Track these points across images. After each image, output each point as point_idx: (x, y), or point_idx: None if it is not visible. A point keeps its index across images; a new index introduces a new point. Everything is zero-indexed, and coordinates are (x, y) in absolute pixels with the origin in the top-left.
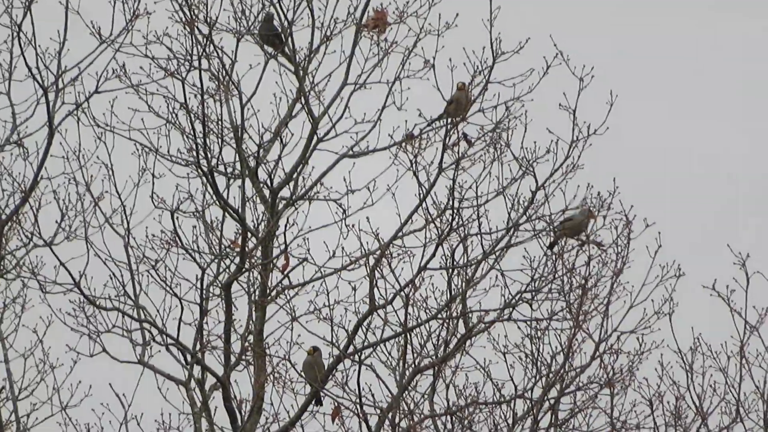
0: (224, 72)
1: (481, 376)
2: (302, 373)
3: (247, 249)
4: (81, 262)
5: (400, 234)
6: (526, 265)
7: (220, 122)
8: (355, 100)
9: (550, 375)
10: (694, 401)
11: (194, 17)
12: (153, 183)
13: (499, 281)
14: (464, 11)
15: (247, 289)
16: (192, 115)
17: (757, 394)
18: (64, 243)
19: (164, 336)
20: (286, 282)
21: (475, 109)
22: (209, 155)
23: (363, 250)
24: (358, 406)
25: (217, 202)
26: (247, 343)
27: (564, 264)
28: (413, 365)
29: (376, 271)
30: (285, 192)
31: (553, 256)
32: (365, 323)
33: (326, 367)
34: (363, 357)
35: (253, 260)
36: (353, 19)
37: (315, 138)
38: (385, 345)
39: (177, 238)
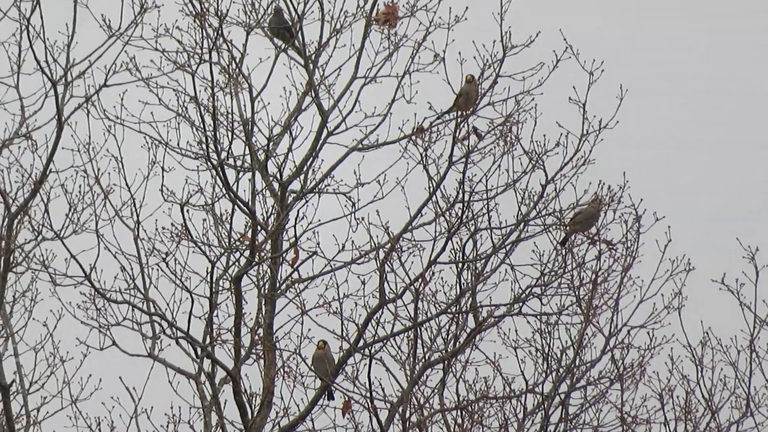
0: (234, 65)
1: (491, 371)
2: (312, 367)
3: (256, 242)
4: (91, 255)
5: (410, 227)
6: (536, 260)
7: (230, 115)
8: (365, 93)
9: (561, 369)
10: (704, 395)
11: (204, 10)
12: (163, 176)
13: (509, 275)
14: (474, 5)
15: (256, 283)
16: (202, 108)
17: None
18: (74, 236)
19: (174, 329)
20: (295, 275)
21: (485, 102)
22: (219, 148)
23: (373, 244)
24: (368, 401)
25: (226, 195)
26: (257, 337)
27: (574, 258)
28: (423, 359)
29: (386, 265)
30: (295, 185)
31: (563, 251)
32: (375, 317)
33: (336, 361)
34: (373, 351)
35: (262, 253)
36: (363, 12)
37: (325, 131)
38: (395, 339)
39: (187, 232)
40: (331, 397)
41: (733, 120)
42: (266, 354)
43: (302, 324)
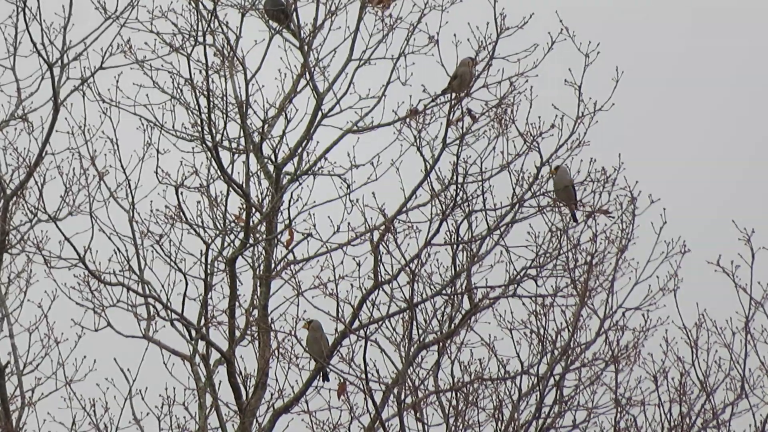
0: (229, 47)
1: (486, 353)
2: (306, 349)
3: (251, 224)
4: (86, 237)
5: (405, 209)
6: (530, 241)
7: (224, 97)
8: (359, 75)
9: (555, 351)
10: (699, 377)
11: None
12: (158, 158)
13: (504, 257)
14: None
15: (251, 264)
16: (197, 91)
17: (762, 370)
18: (69, 218)
19: (169, 311)
20: (290, 257)
21: (480, 84)
22: (214, 130)
23: (367, 225)
24: (363, 382)
25: (221, 177)
26: (251, 318)
27: (569, 240)
28: (418, 341)
29: (380, 246)
30: (289, 167)
31: (558, 232)
32: (370, 299)
33: (331, 343)
34: (368, 333)
35: (257, 235)
36: None
37: (319, 113)
38: (390, 321)
39: (181, 213)
40: (326, 379)
41: (728, 101)
42: (261, 335)
43: (297, 305)
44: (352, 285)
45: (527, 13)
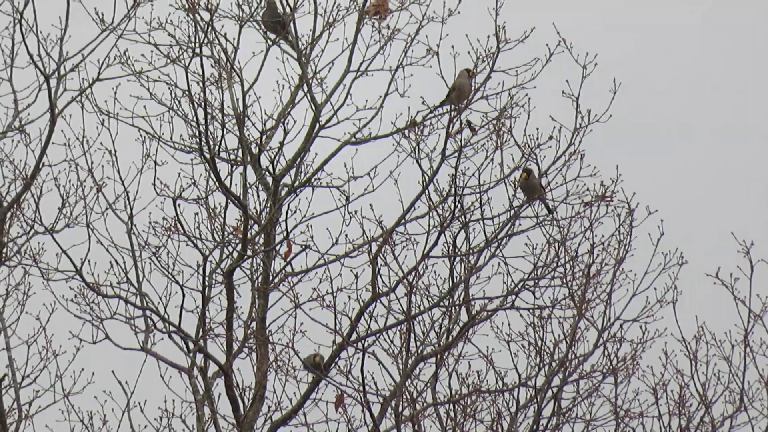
0: (226, 59)
1: (483, 365)
2: (305, 362)
3: (249, 236)
4: (83, 249)
5: (403, 221)
6: (528, 253)
7: (222, 109)
8: (357, 87)
9: (553, 363)
10: (698, 390)
11: (196, 3)
12: (155, 170)
13: (502, 269)
14: None
15: (249, 276)
16: (194, 102)
17: (761, 383)
18: (66, 230)
19: (166, 323)
20: (288, 269)
21: (479, 96)
22: (211, 142)
23: (365, 237)
24: (361, 394)
25: (219, 188)
26: (249, 331)
27: (567, 251)
28: (416, 353)
29: (378, 258)
30: (287, 179)
31: (556, 244)
32: (368, 311)
33: (329, 355)
34: (366, 345)
35: (255, 247)
36: (355, 5)
37: (317, 125)
38: (387, 333)
39: (179, 225)
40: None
41: (728, 112)
42: (259, 348)
43: (295, 318)
44: (349, 297)
45: (525, 25)
